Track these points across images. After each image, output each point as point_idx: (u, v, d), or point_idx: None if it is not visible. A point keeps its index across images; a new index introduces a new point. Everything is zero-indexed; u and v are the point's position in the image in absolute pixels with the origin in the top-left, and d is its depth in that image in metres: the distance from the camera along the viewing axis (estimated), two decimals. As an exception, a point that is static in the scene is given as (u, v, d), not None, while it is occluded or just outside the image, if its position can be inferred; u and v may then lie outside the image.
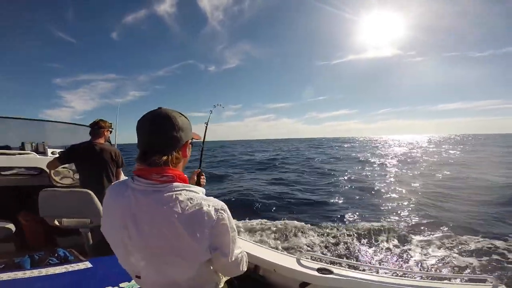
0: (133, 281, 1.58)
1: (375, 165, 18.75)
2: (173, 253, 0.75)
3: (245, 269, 0.93)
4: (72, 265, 1.77)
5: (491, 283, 1.54)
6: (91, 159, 2.64)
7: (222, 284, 0.98)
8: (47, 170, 3.10)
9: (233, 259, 0.84)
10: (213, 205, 0.77)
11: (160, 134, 0.79)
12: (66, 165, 3.17)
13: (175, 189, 0.77)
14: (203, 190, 0.84)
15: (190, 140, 0.90)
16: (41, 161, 3.18)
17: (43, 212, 2.34)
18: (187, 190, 0.78)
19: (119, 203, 0.79)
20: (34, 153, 3.36)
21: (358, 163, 20.22)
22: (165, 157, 0.79)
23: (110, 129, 2.88)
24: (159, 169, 0.78)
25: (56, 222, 2.38)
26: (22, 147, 3.47)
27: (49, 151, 3.50)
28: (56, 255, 1.96)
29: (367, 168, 17.14)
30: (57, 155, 2.99)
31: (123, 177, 2.93)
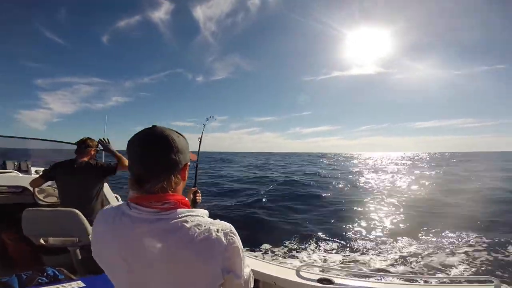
0: None
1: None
2: (185, 282, 0.71)
3: (252, 286, 0.89)
4: (65, 284, 1.78)
5: (493, 282, 1.56)
6: (72, 176, 2.63)
7: None
8: (31, 189, 3.06)
9: (245, 279, 0.81)
10: (222, 229, 0.73)
11: (157, 158, 0.72)
12: (50, 183, 3.14)
13: (180, 215, 0.71)
14: (207, 212, 0.79)
15: (188, 163, 0.83)
16: (24, 180, 3.14)
17: (27, 231, 2.33)
18: (192, 216, 0.73)
19: (116, 232, 0.73)
20: (16, 171, 3.31)
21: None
22: (164, 183, 0.73)
23: (96, 148, 2.90)
24: (159, 196, 0.72)
25: (42, 241, 2.37)
26: (3, 166, 3.40)
27: (33, 169, 3.45)
28: (45, 274, 1.95)
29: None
30: (41, 173, 2.98)
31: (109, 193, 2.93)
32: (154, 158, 0.72)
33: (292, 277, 1.81)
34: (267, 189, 13.57)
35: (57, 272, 2.01)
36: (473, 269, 4.54)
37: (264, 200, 11.01)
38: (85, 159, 2.74)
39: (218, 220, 0.77)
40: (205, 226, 0.71)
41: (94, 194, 2.68)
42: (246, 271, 0.83)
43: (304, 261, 5.18)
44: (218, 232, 0.72)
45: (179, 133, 0.80)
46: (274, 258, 5.40)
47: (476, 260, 4.99)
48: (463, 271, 4.52)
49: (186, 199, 0.79)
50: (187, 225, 0.70)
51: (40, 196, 3.16)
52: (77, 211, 2.34)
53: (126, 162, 2.89)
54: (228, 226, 0.76)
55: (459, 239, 6.24)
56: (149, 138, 0.74)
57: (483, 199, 10.67)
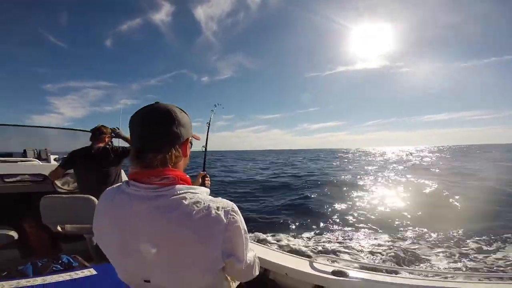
0: None
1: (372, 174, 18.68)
2: (185, 260, 0.67)
3: (258, 273, 0.86)
4: (77, 272, 1.72)
5: None
6: (90, 162, 2.61)
7: None
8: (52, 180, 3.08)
9: (248, 263, 0.76)
10: (222, 207, 0.68)
11: (157, 128, 0.70)
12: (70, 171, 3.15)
13: (178, 192, 0.68)
14: (208, 190, 0.75)
15: (190, 138, 0.80)
16: (44, 168, 3.15)
17: (45, 218, 2.31)
18: (191, 193, 0.69)
19: (113, 211, 0.71)
20: (37, 160, 3.34)
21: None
22: (162, 155, 0.70)
23: (111, 135, 2.86)
24: (158, 171, 0.69)
25: (59, 228, 2.35)
26: (24, 154, 3.45)
27: (52, 157, 3.48)
28: (60, 262, 1.90)
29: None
30: (59, 163, 2.98)
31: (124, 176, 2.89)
32: (155, 129, 0.70)
33: (305, 268, 1.75)
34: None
35: (71, 260, 1.95)
36: (498, 267, 4.23)
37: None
38: (101, 145, 2.71)
39: (219, 198, 0.73)
40: (204, 204, 0.67)
41: (112, 179, 2.65)
42: (250, 255, 0.78)
43: (319, 252, 5.06)
44: (218, 210, 0.68)
45: (182, 109, 0.78)
46: (287, 248, 5.30)
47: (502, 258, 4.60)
48: (490, 267, 4.23)
49: (188, 176, 0.75)
50: (186, 202, 0.66)
51: (59, 184, 3.17)
52: (93, 197, 2.28)
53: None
54: (229, 204, 0.72)
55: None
56: (151, 111, 0.72)
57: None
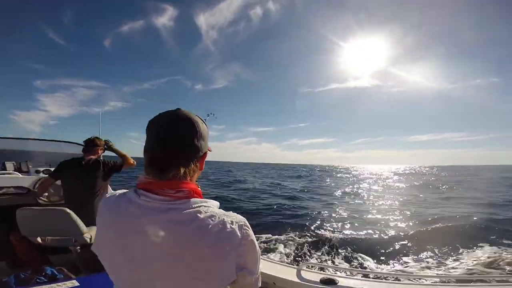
0: None
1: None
2: (196, 278, 0.63)
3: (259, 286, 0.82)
4: (59, 283, 1.74)
5: None
6: (80, 174, 2.61)
7: None
8: (34, 190, 3.04)
9: (257, 276, 0.73)
10: (236, 221, 0.67)
11: (181, 141, 0.67)
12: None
13: (193, 205, 0.64)
14: (218, 204, 0.72)
15: (207, 152, 0.77)
16: (25, 181, 3.11)
17: (23, 230, 2.30)
18: (205, 206, 0.66)
19: (120, 222, 0.66)
20: (16, 173, 3.29)
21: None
22: (182, 170, 0.67)
23: (104, 147, 2.88)
24: (174, 183, 0.66)
25: (39, 240, 2.33)
26: (3, 167, 3.38)
27: (33, 170, 3.43)
28: (43, 274, 1.91)
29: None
30: (47, 174, 2.96)
31: (109, 189, 2.88)
32: (178, 141, 0.67)
33: (293, 277, 1.71)
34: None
35: (56, 272, 1.97)
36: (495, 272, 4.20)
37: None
38: (93, 157, 2.72)
39: (231, 211, 0.71)
40: (219, 218, 0.64)
41: (97, 192, 2.64)
42: (260, 267, 0.75)
43: (306, 260, 4.98)
44: (232, 224, 0.65)
45: (203, 120, 0.74)
46: (275, 256, 5.26)
47: (476, 263, 4.69)
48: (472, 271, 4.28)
49: (200, 189, 0.72)
50: (201, 216, 0.63)
51: (43, 196, 3.14)
52: (68, 210, 2.23)
53: (131, 160, 2.91)
54: (242, 218, 0.70)
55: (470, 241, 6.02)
56: (174, 120, 0.68)
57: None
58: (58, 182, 2.75)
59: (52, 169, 3.43)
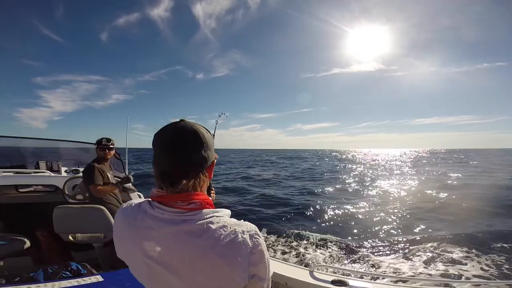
0: None
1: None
2: (209, 285, 0.66)
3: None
4: (84, 278, 1.79)
5: None
6: (86, 178, 2.74)
7: None
8: (61, 187, 3.20)
9: (267, 283, 0.75)
10: (247, 231, 0.68)
11: (188, 154, 0.68)
12: (77, 181, 3.25)
13: (205, 216, 0.67)
14: (229, 212, 0.74)
15: (215, 160, 0.78)
16: (56, 179, 3.29)
17: (57, 228, 2.42)
18: (217, 216, 0.68)
19: (138, 233, 0.69)
20: (48, 171, 3.48)
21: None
22: (192, 181, 0.69)
23: (110, 146, 2.92)
24: (186, 196, 0.68)
25: (70, 238, 2.45)
26: (37, 166, 3.60)
27: (63, 169, 3.61)
28: (69, 268, 1.99)
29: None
30: (75, 173, 3.12)
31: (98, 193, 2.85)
32: (185, 155, 0.68)
33: (305, 277, 1.74)
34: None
35: (80, 267, 2.04)
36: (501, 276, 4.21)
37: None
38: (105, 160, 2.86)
39: (242, 220, 0.72)
40: (230, 228, 0.66)
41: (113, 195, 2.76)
42: (270, 274, 0.76)
43: (317, 261, 4.98)
44: (243, 234, 0.67)
45: (206, 129, 0.75)
46: (287, 257, 5.29)
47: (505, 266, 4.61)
48: (486, 276, 4.19)
49: (211, 198, 0.74)
50: (213, 227, 0.65)
51: (71, 194, 3.30)
52: (103, 207, 2.40)
53: (100, 193, 2.69)
54: (253, 227, 0.71)
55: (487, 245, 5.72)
56: (179, 133, 0.69)
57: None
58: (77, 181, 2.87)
59: (81, 169, 3.62)
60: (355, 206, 10.02)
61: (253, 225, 0.72)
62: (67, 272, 1.95)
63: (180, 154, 0.67)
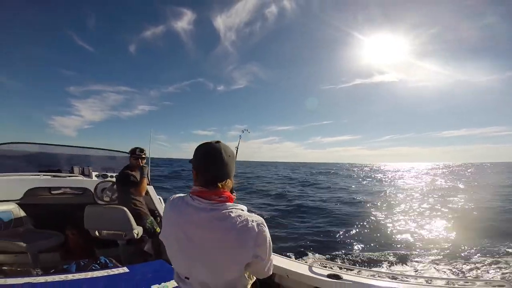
0: (162, 283, 1.77)
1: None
2: (226, 258, 0.94)
3: (271, 273, 1.11)
4: (113, 269, 1.98)
5: (504, 286, 1.53)
6: (119, 182, 3.03)
7: (249, 286, 1.14)
8: (92, 190, 3.47)
9: (268, 264, 1.04)
10: (255, 220, 0.96)
11: (220, 167, 0.99)
12: (110, 184, 3.50)
13: (228, 207, 0.95)
14: (245, 207, 1.03)
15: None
16: (87, 183, 3.57)
17: (87, 224, 2.67)
18: (236, 208, 0.97)
19: (180, 216, 0.98)
20: (81, 175, 3.78)
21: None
22: (222, 183, 0.99)
23: (135, 155, 3.14)
24: (217, 192, 0.97)
25: (97, 233, 2.69)
26: (71, 171, 3.93)
27: (93, 174, 3.91)
28: (98, 262, 2.18)
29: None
30: (104, 177, 3.42)
31: (141, 193, 3.01)
32: (218, 167, 0.98)
33: (304, 271, 1.92)
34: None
35: (107, 261, 2.23)
36: (487, 274, 4.48)
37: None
38: (134, 167, 3.10)
39: (253, 213, 1.01)
40: (244, 217, 0.95)
41: (127, 197, 2.92)
42: (271, 258, 1.05)
43: (317, 257, 5.25)
44: (252, 222, 0.95)
45: (233, 148, 1.10)
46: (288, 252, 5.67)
47: (491, 266, 4.86)
48: (476, 275, 4.44)
49: (233, 196, 1.04)
50: (232, 215, 0.94)
51: (99, 196, 3.58)
52: (125, 208, 2.64)
53: (143, 190, 2.97)
54: (260, 218, 0.99)
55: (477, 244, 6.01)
56: (218, 153, 0.99)
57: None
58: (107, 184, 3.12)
59: (109, 174, 3.91)
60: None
61: (261, 217, 1.00)
62: (96, 265, 2.15)
63: (214, 164, 0.98)
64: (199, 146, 1.03)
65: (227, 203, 0.97)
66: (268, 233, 0.99)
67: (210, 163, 0.98)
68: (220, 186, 0.98)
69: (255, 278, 1.21)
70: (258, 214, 1.02)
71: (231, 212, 0.94)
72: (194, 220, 0.94)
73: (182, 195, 1.06)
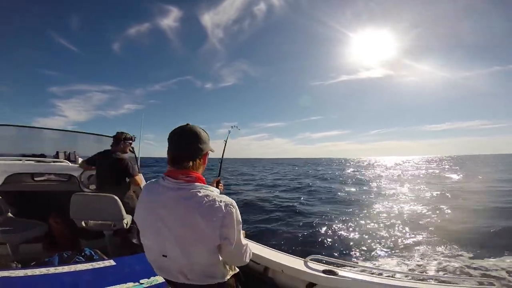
0: (152, 277, 1.67)
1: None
2: (192, 237, 0.94)
3: (248, 261, 1.12)
4: (98, 262, 1.86)
5: (495, 285, 1.55)
6: (105, 167, 2.85)
7: (229, 277, 1.11)
8: (77, 176, 3.31)
9: (237, 247, 1.01)
10: (224, 201, 0.95)
11: (189, 146, 1.02)
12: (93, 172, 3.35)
13: (196, 187, 0.96)
14: (218, 190, 1.04)
15: (208, 151, 1.12)
16: (73, 169, 3.39)
17: (73, 214, 2.50)
18: (204, 189, 0.97)
19: (152, 197, 1.00)
20: (67, 161, 3.60)
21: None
22: (190, 163, 1.01)
23: (129, 141, 3.06)
24: (185, 171, 0.99)
25: (83, 224, 2.52)
26: (56, 156, 3.73)
27: (80, 159, 3.73)
28: (83, 254, 2.06)
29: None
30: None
31: (143, 182, 3.04)
32: (186, 145, 1.02)
33: (300, 266, 1.91)
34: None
35: (93, 253, 2.11)
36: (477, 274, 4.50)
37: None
38: (119, 150, 2.93)
39: (224, 195, 1.00)
40: (211, 197, 0.95)
41: (120, 184, 2.84)
42: (243, 243, 1.06)
43: (312, 253, 5.39)
44: (221, 202, 0.94)
45: (203, 129, 1.10)
46: (284, 247, 5.59)
47: (483, 264, 4.91)
48: (468, 273, 4.49)
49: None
50: (200, 194, 0.94)
51: (86, 183, 3.41)
52: (115, 197, 2.46)
53: (141, 182, 2.95)
54: (230, 200, 0.98)
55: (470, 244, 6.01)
56: (185, 131, 1.04)
57: None
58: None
59: None
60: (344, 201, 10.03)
61: (231, 199, 0.99)
62: (81, 257, 2.03)
63: (183, 144, 1.02)
64: (173, 130, 1.06)
65: (195, 183, 0.98)
66: (239, 215, 0.99)
67: (174, 141, 1.02)
68: (189, 167, 1.00)
69: (237, 269, 1.19)
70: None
71: (199, 192, 0.95)
72: (163, 199, 0.96)
73: (157, 178, 1.07)
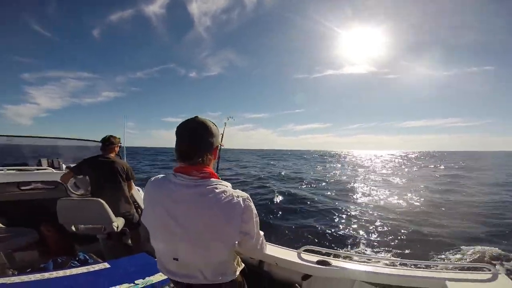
0: (146, 278, 1.76)
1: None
2: (211, 236, 0.92)
3: (264, 251, 1.15)
4: (93, 265, 1.95)
5: (490, 270, 1.53)
6: (103, 171, 2.83)
7: (238, 273, 1.11)
8: (63, 183, 3.32)
9: (258, 241, 1.05)
10: (241, 195, 0.96)
11: (200, 139, 0.98)
12: (81, 177, 3.36)
13: (212, 183, 0.94)
14: (230, 184, 1.02)
15: (219, 145, 1.10)
16: (58, 176, 3.39)
17: (61, 218, 2.56)
18: (220, 184, 0.95)
19: (162, 194, 0.96)
20: (50, 168, 3.58)
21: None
22: (202, 158, 0.98)
23: (119, 145, 3.08)
24: (199, 167, 0.96)
25: (73, 228, 2.59)
26: (39, 164, 3.70)
27: (64, 166, 3.72)
28: (77, 258, 2.13)
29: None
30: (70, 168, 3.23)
31: (134, 188, 3.10)
32: (197, 139, 0.97)
33: (294, 258, 1.91)
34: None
35: (87, 257, 2.19)
36: (470, 260, 4.69)
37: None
38: (111, 155, 2.93)
39: (238, 190, 1.00)
40: (229, 193, 0.94)
41: (121, 189, 2.87)
42: (261, 233, 1.08)
43: (305, 245, 5.56)
44: (238, 197, 0.94)
45: (213, 123, 1.06)
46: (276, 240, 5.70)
47: (471, 252, 5.10)
48: (462, 259, 4.70)
49: (216, 173, 1.02)
50: (217, 191, 0.92)
51: (72, 189, 3.42)
52: (101, 200, 2.51)
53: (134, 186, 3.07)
54: (246, 194, 0.99)
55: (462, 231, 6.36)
56: (195, 125, 0.99)
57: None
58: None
59: None
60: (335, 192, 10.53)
61: (246, 193, 0.99)
62: (75, 262, 2.10)
63: (194, 139, 0.97)
64: (182, 122, 1.02)
65: (211, 179, 0.95)
66: (255, 208, 0.99)
67: (184, 135, 0.98)
68: (201, 162, 0.97)
69: (243, 265, 1.19)
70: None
71: (216, 188, 0.93)
72: (177, 197, 0.93)
73: (163, 175, 1.03)
